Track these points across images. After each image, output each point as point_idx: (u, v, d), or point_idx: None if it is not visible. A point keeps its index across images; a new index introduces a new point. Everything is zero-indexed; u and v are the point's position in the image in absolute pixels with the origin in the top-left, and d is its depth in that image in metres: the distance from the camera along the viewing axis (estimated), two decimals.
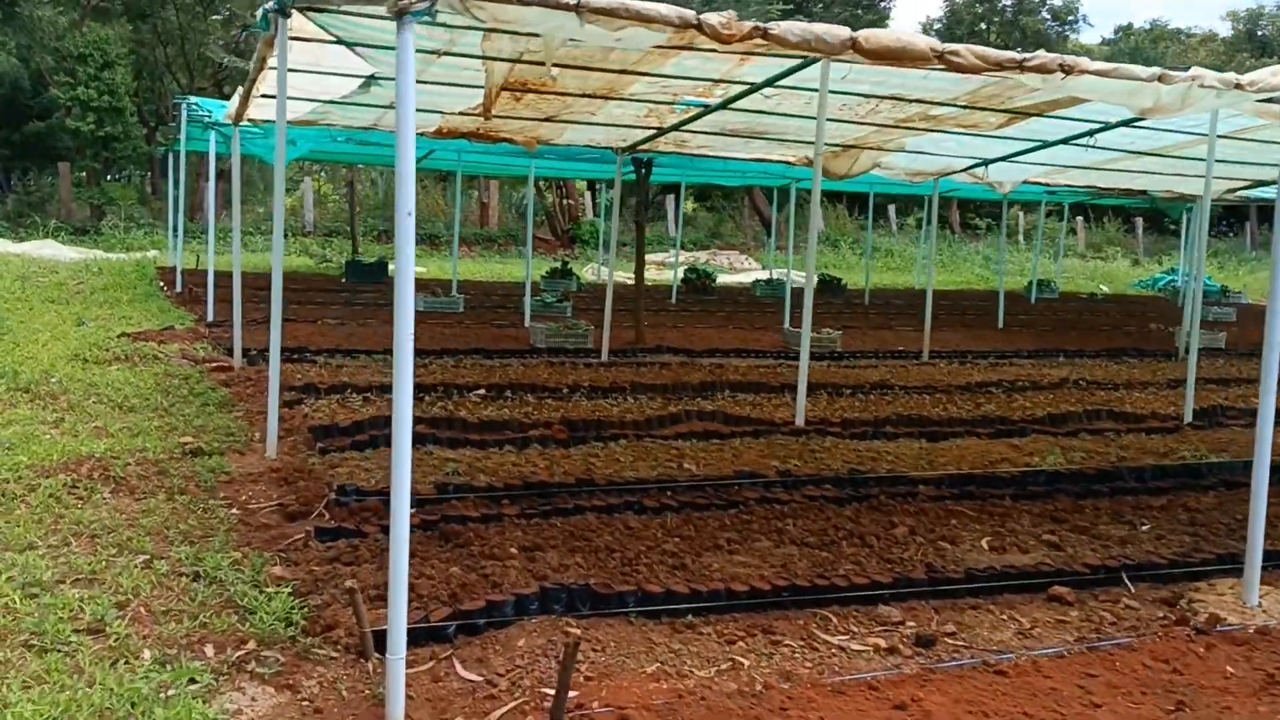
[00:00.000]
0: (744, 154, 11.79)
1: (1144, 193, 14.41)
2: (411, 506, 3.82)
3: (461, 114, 9.70)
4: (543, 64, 8.24)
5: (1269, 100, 4.79)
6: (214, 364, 10.23)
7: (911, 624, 4.63)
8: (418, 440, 7.15)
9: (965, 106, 9.73)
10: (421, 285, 19.34)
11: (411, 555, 3.88)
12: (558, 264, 22.50)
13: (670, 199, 37.26)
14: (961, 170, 12.35)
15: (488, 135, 10.64)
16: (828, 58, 4.04)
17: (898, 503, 6.37)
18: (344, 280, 19.83)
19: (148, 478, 6.25)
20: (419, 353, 11.49)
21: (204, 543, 5.24)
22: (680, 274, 21.00)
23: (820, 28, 3.98)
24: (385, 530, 4.49)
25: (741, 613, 4.61)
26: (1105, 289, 28.10)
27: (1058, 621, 4.79)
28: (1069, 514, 6.33)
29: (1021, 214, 42.45)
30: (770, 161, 12.02)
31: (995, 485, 7.01)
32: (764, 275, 24.31)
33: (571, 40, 4.35)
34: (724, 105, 9.54)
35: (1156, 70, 4.47)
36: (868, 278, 21.67)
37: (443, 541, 5.35)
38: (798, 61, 8.32)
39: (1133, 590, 5.21)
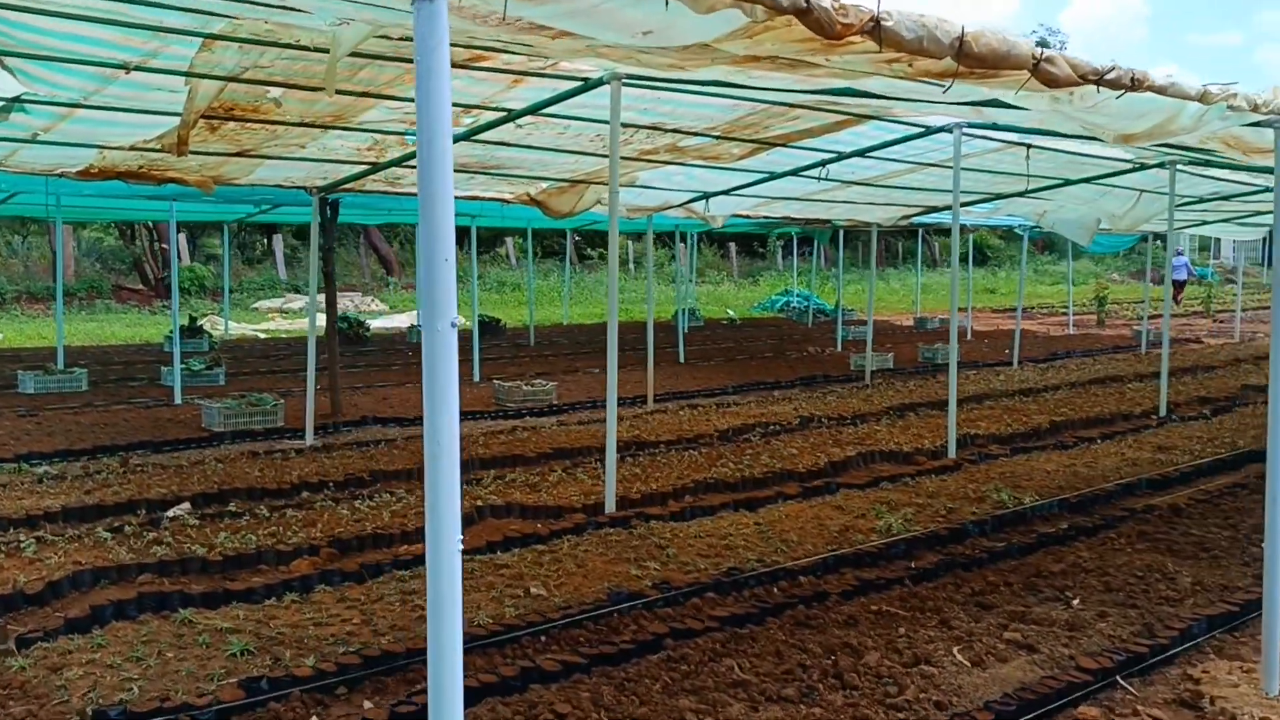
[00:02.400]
0: (460, 191, 10.31)
1: (828, 222, 14.57)
2: None
3: (133, 148, 7.48)
4: (262, 83, 6.45)
5: (1258, 124, 4.27)
6: None
7: None
8: (160, 604, 5.15)
9: (719, 137, 9.00)
10: (10, 358, 15.82)
11: None
12: (184, 320, 19.43)
13: (278, 239, 34.34)
14: (680, 205, 11.67)
15: (150, 175, 8.38)
16: (910, 59, 2.90)
17: (808, 615, 5.29)
18: None
19: None
20: (69, 454, 8.94)
21: None
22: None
23: (931, 20, 2.83)
24: None
25: None
26: (732, 313, 29.09)
27: None
28: (984, 593, 5.59)
29: (631, 243, 43.57)
30: (483, 199, 10.63)
31: (867, 564, 6.19)
32: (411, 320, 22.62)
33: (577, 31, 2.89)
34: (468, 135, 8.10)
35: (1200, 87, 3.78)
36: (532, 315, 20.66)
37: None
38: (578, 84, 7.14)
39: (1137, 694, 4.50)
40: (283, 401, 10.71)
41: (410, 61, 6.41)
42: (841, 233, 31.71)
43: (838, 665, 4.45)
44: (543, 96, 7.32)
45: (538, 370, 15.35)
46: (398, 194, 9.84)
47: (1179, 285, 31.22)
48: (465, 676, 4.42)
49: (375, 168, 8.89)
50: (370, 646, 4.68)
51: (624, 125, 8.37)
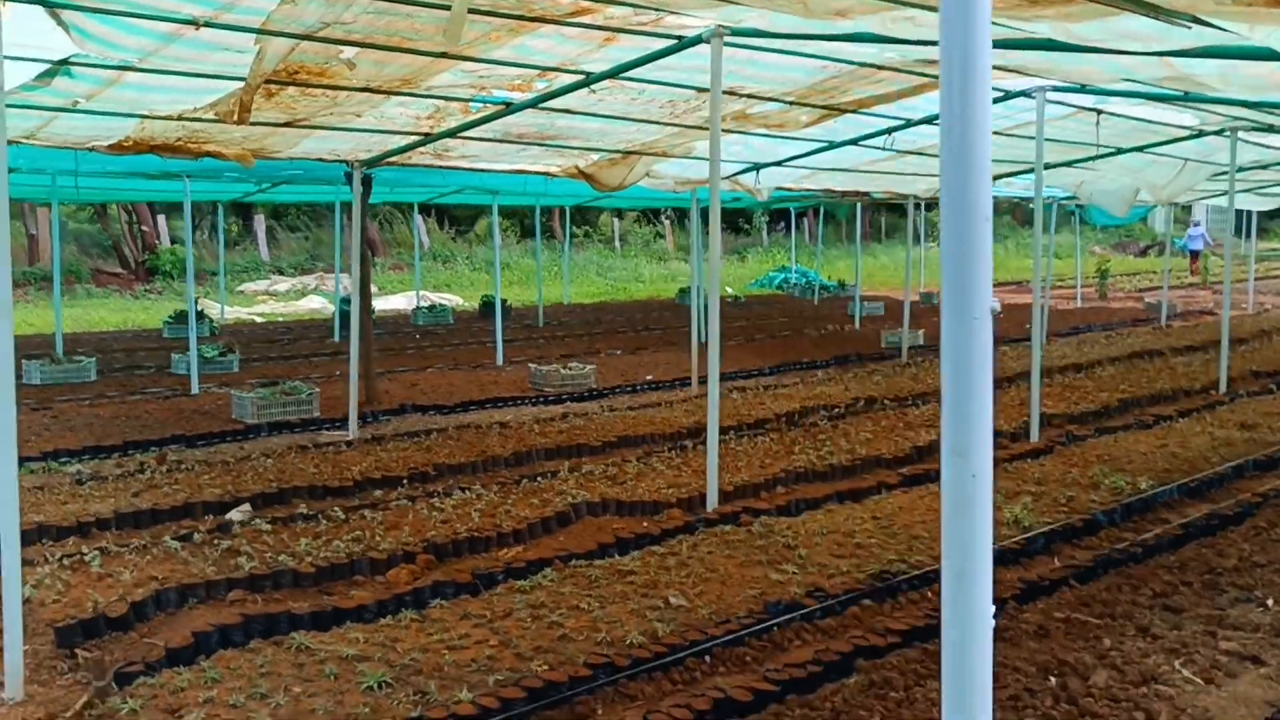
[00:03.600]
0: (505, 165, 9.70)
1: (866, 194, 14.05)
2: None
3: (179, 117, 6.82)
4: (339, 42, 5.84)
5: None
6: None
7: None
8: (267, 627, 4.57)
9: (792, 103, 8.45)
10: None
11: None
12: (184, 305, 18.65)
13: (259, 219, 33.39)
14: (735, 175, 11.10)
15: (187, 148, 7.71)
16: None
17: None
18: None
19: None
20: (99, 451, 8.29)
21: None
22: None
23: None
24: None
25: None
26: (731, 290, 28.56)
27: None
28: (1164, 594, 5.11)
29: (615, 220, 42.92)
30: (529, 173, 10.01)
31: (1011, 561, 5.70)
32: (407, 301, 21.92)
33: None
34: (536, 103, 7.50)
35: None
36: (541, 296, 20.02)
37: None
38: (672, 43, 6.56)
39: None
40: (317, 390, 10.06)
41: (506, 16, 5.86)
42: (822, 209, 31.44)
43: (1067, 688, 3.95)
44: (629, 58, 6.73)
45: (558, 352, 14.74)
46: (443, 167, 9.21)
47: (1195, 255, 31.05)
48: (654, 707, 3.91)
49: (428, 138, 8.25)
50: (525, 675, 4.12)
51: (695, 90, 7.83)
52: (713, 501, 6.64)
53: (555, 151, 9.40)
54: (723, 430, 9.17)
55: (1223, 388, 11.49)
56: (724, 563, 5.50)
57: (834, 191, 13.32)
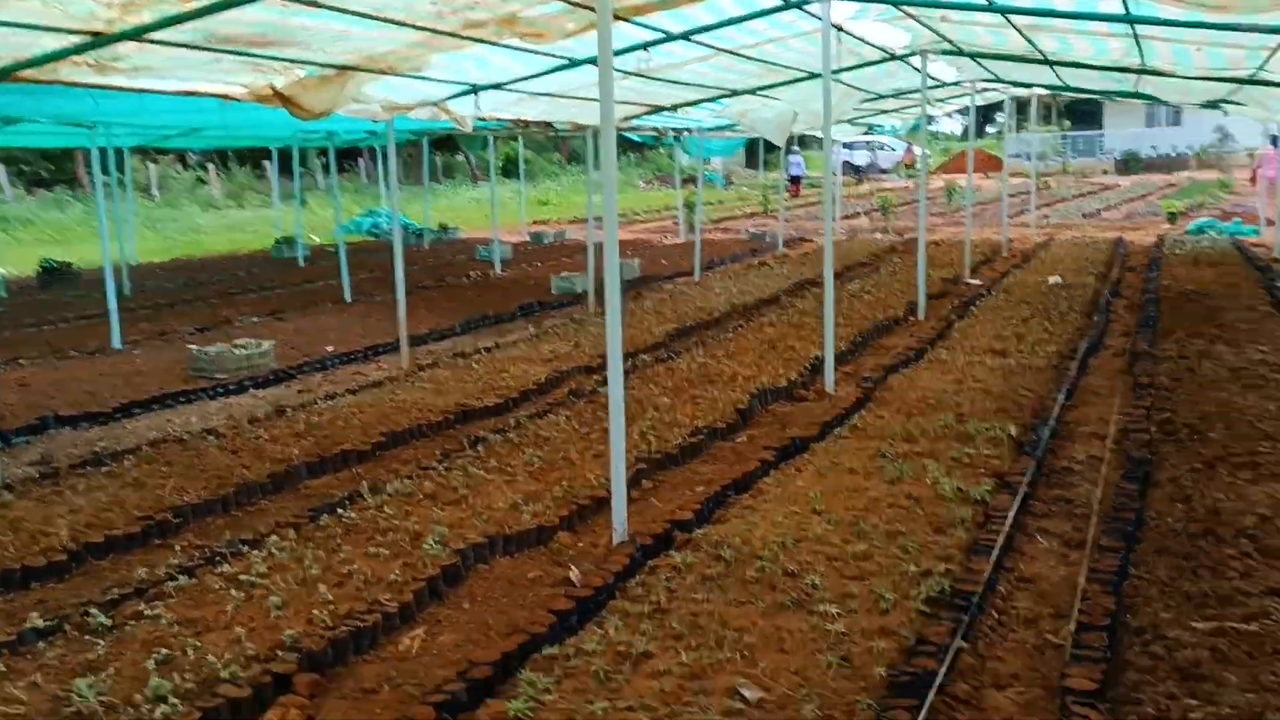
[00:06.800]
0: (175, 85, 7.13)
1: (549, 125, 12.55)
2: None
3: None
4: None
5: None
6: None
7: None
8: None
9: (576, 3, 6.89)
10: None
11: None
12: None
13: None
14: (446, 99, 9.16)
15: None
16: None
17: None
18: None
19: None
20: None
21: None
22: None
23: None
24: None
25: None
26: (316, 239, 25.77)
27: None
28: None
29: (152, 166, 37.62)
30: (201, 94, 7.48)
31: None
32: None
33: None
34: None
35: None
36: (122, 254, 16.40)
37: None
38: None
39: None
40: None
41: None
42: (393, 146, 29.36)
43: None
44: None
45: (180, 326, 11.99)
46: (113, 89, 6.58)
47: (795, 181, 33.62)
48: None
49: (99, 40, 5.67)
50: None
51: None
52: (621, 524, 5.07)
53: (249, 66, 7.05)
54: (506, 405, 7.62)
55: (922, 313, 11.57)
56: None
57: (523, 122, 11.76)
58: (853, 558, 4.56)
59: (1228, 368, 8.14)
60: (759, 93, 12.61)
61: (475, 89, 9.11)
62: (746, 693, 3.43)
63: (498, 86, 9.13)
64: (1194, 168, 43.76)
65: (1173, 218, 22.07)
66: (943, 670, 3.54)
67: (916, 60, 11.96)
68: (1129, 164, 45.85)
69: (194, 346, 9.42)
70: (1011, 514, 5.11)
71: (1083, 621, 3.92)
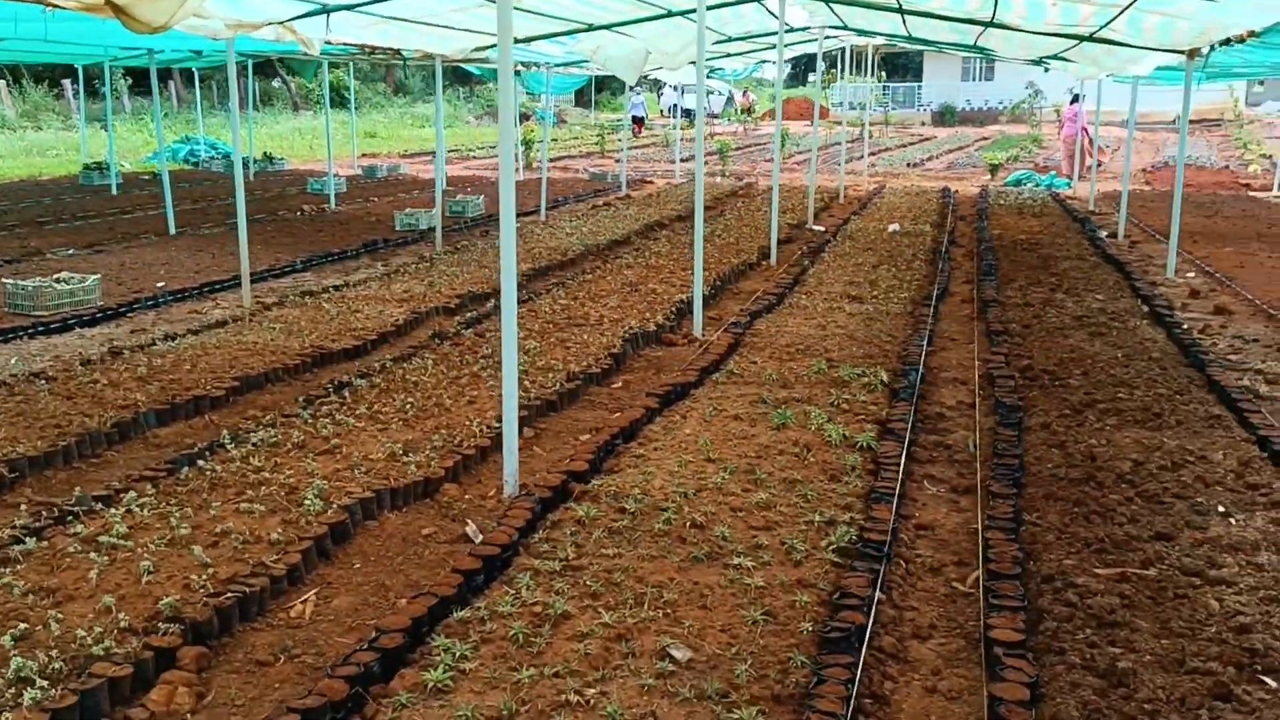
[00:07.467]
0: None
1: (398, 52, 11.90)
2: None
3: None
4: None
5: None
6: None
7: None
8: None
9: None
10: None
11: None
12: None
13: None
14: (294, 19, 8.51)
15: None
16: None
17: None
18: None
19: None
20: None
21: None
22: None
23: None
24: None
25: None
26: (128, 165, 24.04)
27: None
28: None
29: None
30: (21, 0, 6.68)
31: None
32: None
33: None
34: None
35: None
36: None
37: None
38: None
39: None
40: None
41: None
42: (197, 71, 27.55)
43: None
44: None
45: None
46: None
47: (638, 122, 34.49)
48: None
49: None
50: None
51: None
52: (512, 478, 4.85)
53: None
54: (365, 347, 7.25)
55: (772, 259, 11.66)
56: None
57: (371, 48, 11.12)
58: (755, 507, 4.50)
59: (1071, 315, 8.48)
60: (614, 29, 12.34)
61: (327, 9, 8.52)
62: (676, 653, 3.31)
63: (351, 8, 8.57)
64: (1004, 122, 45.76)
65: (994, 170, 22.97)
66: (870, 624, 3.51)
67: (772, 3, 11.92)
68: (945, 116, 47.62)
69: (8, 280, 8.57)
70: (902, 461, 5.15)
71: (990, 569, 3.96)
